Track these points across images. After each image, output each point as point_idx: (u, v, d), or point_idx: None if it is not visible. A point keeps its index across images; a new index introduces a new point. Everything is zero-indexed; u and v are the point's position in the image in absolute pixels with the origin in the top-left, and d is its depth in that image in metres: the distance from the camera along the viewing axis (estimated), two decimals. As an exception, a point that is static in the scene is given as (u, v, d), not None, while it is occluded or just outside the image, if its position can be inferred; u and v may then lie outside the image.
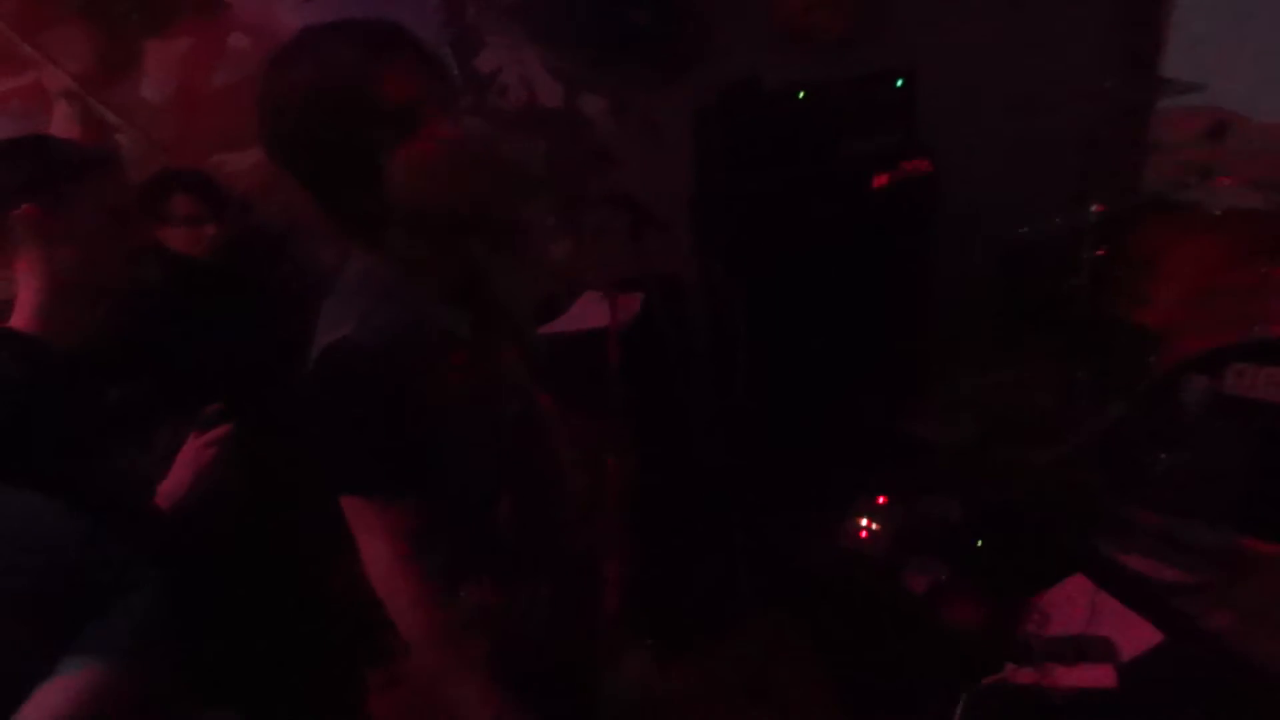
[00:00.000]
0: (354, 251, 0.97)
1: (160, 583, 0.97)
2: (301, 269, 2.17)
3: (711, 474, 1.99)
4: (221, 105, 2.29)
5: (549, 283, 2.19)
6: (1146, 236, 1.93)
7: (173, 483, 1.16)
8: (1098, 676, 1.42)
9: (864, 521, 1.85)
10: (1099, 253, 1.92)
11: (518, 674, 1.18)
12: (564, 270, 2.24)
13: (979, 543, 1.71)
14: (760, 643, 1.85)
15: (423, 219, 0.90)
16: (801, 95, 1.91)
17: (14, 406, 1.01)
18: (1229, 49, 2.25)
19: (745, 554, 1.88)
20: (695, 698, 1.84)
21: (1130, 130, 2.12)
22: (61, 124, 2.20)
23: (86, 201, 1.10)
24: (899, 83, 1.95)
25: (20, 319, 1.08)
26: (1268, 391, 1.55)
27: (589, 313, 2.06)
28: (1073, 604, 1.59)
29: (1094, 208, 1.89)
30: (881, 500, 1.89)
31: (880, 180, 1.99)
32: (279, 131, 0.84)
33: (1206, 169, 2.01)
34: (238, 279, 1.96)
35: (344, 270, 0.98)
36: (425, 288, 0.96)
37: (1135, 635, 1.52)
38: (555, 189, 2.34)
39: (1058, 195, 2.04)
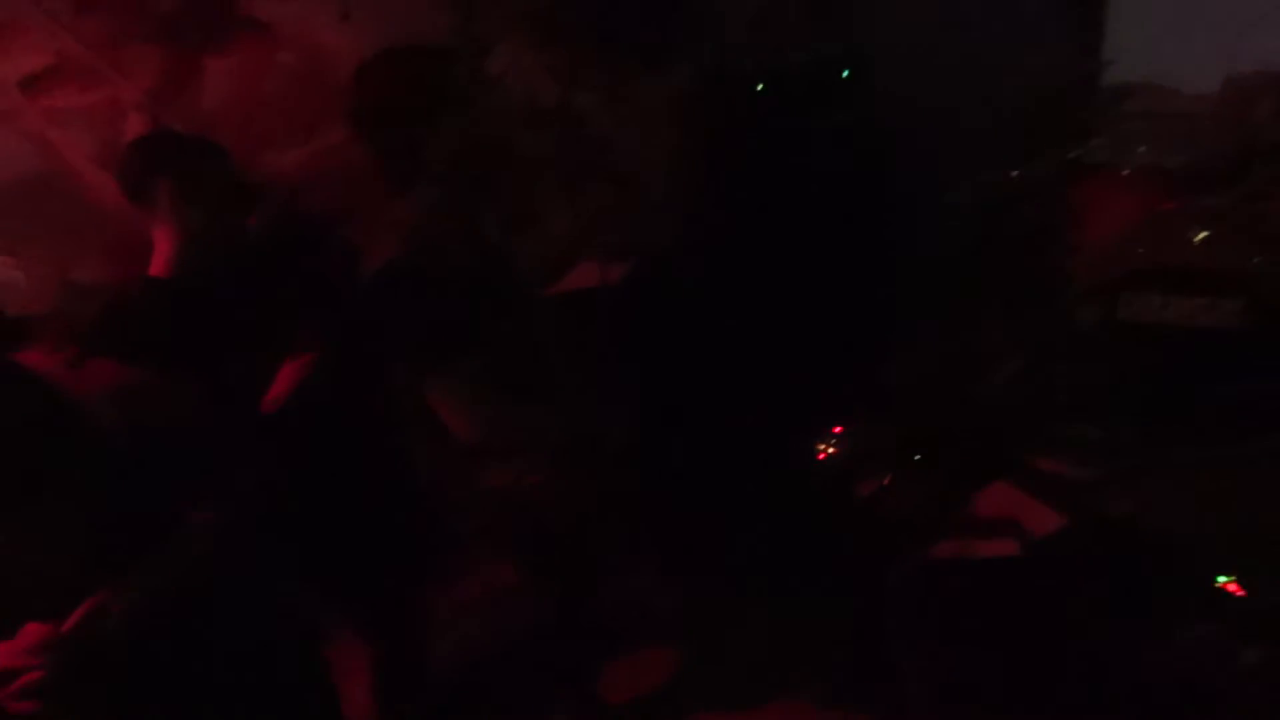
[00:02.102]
0: (391, 206, 1.38)
1: (266, 461, 1.32)
2: (342, 246, 2.55)
3: (697, 403, 2.31)
4: (270, 112, 2.66)
5: (554, 253, 2.53)
6: (1065, 195, 2.22)
7: (274, 392, 1.53)
8: (1004, 547, 1.72)
9: (823, 445, 2.18)
10: (1023, 210, 2.22)
11: (539, 545, 1.54)
12: (567, 242, 2.57)
13: (917, 456, 2.02)
14: (741, 545, 2.16)
15: (450, 175, 1.33)
16: (760, 86, 2.24)
17: (154, 329, 1.38)
18: (1152, 31, 2.55)
19: (725, 472, 2.21)
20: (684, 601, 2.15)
21: (1056, 101, 2.41)
22: (135, 131, 2.58)
23: (206, 177, 1.50)
24: (845, 72, 2.27)
25: (157, 268, 1.47)
26: (1153, 315, 1.84)
27: (585, 276, 2.39)
28: (993, 501, 1.89)
29: (1014, 173, 2.20)
30: (837, 430, 2.21)
31: (835, 157, 2.31)
32: (366, 110, 1.29)
33: (1122, 134, 2.30)
34: (281, 261, 2.34)
35: (385, 223, 1.39)
36: (447, 232, 1.37)
37: (1045, 523, 1.82)
38: (558, 173, 2.67)
39: (994, 162, 2.34)
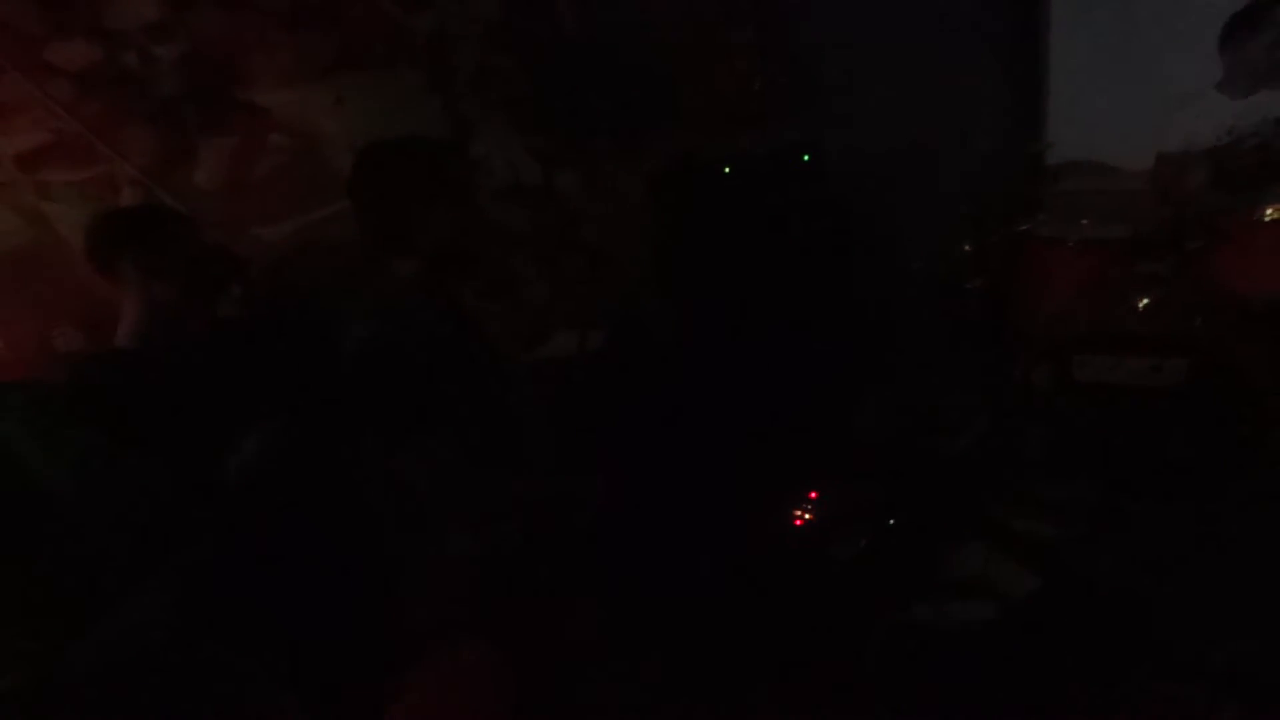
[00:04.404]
0: (373, 279, 1.43)
1: (216, 538, 1.30)
2: (321, 315, 2.59)
3: (671, 470, 2.32)
4: (260, 190, 2.77)
5: (530, 321, 2.60)
6: (1019, 264, 2.35)
7: (239, 458, 1.51)
8: (981, 610, 1.71)
9: (800, 512, 2.18)
10: (979, 279, 2.34)
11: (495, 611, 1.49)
12: (542, 310, 2.65)
13: (893, 520, 2.02)
14: (717, 606, 2.11)
15: (432, 253, 1.38)
16: (727, 169, 2.39)
17: (119, 400, 1.37)
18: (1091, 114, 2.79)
19: (702, 538, 2.19)
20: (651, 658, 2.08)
21: (1005, 178, 2.59)
22: (128, 205, 2.66)
23: (173, 249, 1.50)
24: (806, 156, 2.43)
25: (123, 338, 1.46)
26: (1104, 375, 1.92)
27: (561, 345, 2.45)
28: (970, 562, 1.89)
29: (967, 246, 2.33)
30: (813, 495, 2.22)
31: (800, 232, 2.44)
32: (366, 185, 1.34)
33: (1070, 208, 2.46)
34: (260, 330, 2.38)
35: (365, 295, 1.43)
36: (422, 304, 1.39)
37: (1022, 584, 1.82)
38: (535, 246, 2.78)
39: (950, 235, 2.48)
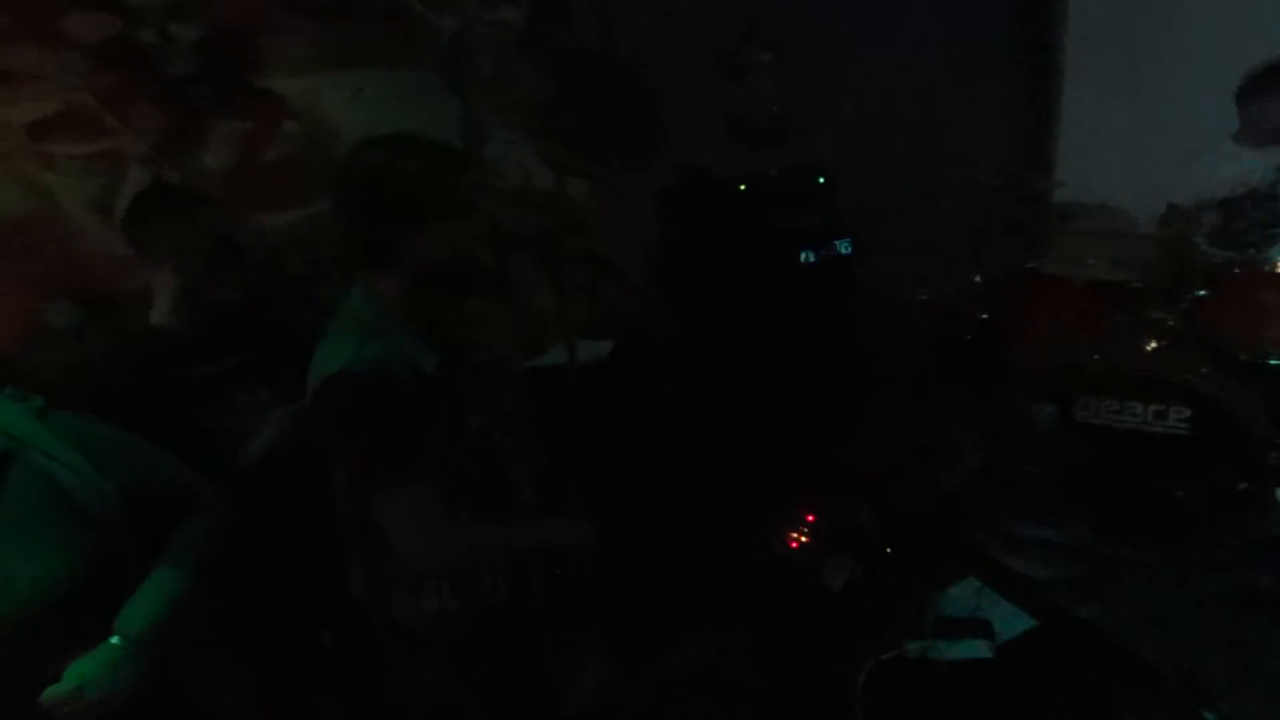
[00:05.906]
0: (348, 297, 1.23)
1: (222, 511, 1.27)
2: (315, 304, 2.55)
3: (666, 491, 2.29)
4: (269, 176, 2.74)
5: (532, 328, 2.57)
6: (1024, 301, 2.35)
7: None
8: (976, 649, 1.68)
9: (794, 534, 2.15)
10: (984, 314, 2.34)
11: (478, 671, 1.35)
12: (546, 318, 2.62)
13: (888, 549, 2.00)
14: (706, 637, 2.07)
15: (423, 271, 1.19)
16: (742, 187, 2.38)
17: (147, 378, 1.44)
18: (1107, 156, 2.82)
19: (695, 562, 2.16)
20: (647, 690, 2.04)
21: (1015, 215, 2.60)
22: (134, 185, 2.62)
23: (192, 231, 1.60)
24: (820, 179, 2.43)
25: (156, 317, 1.56)
26: (1107, 419, 1.91)
27: (561, 354, 2.42)
28: (964, 599, 1.87)
29: (975, 278, 2.33)
30: (810, 518, 2.19)
31: (807, 253, 2.43)
32: (349, 188, 1.21)
33: (1078, 248, 2.47)
34: (253, 316, 2.34)
35: (336, 317, 1.23)
36: (404, 330, 1.20)
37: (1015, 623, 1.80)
38: (541, 251, 2.76)
39: (956, 267, 2.49)
